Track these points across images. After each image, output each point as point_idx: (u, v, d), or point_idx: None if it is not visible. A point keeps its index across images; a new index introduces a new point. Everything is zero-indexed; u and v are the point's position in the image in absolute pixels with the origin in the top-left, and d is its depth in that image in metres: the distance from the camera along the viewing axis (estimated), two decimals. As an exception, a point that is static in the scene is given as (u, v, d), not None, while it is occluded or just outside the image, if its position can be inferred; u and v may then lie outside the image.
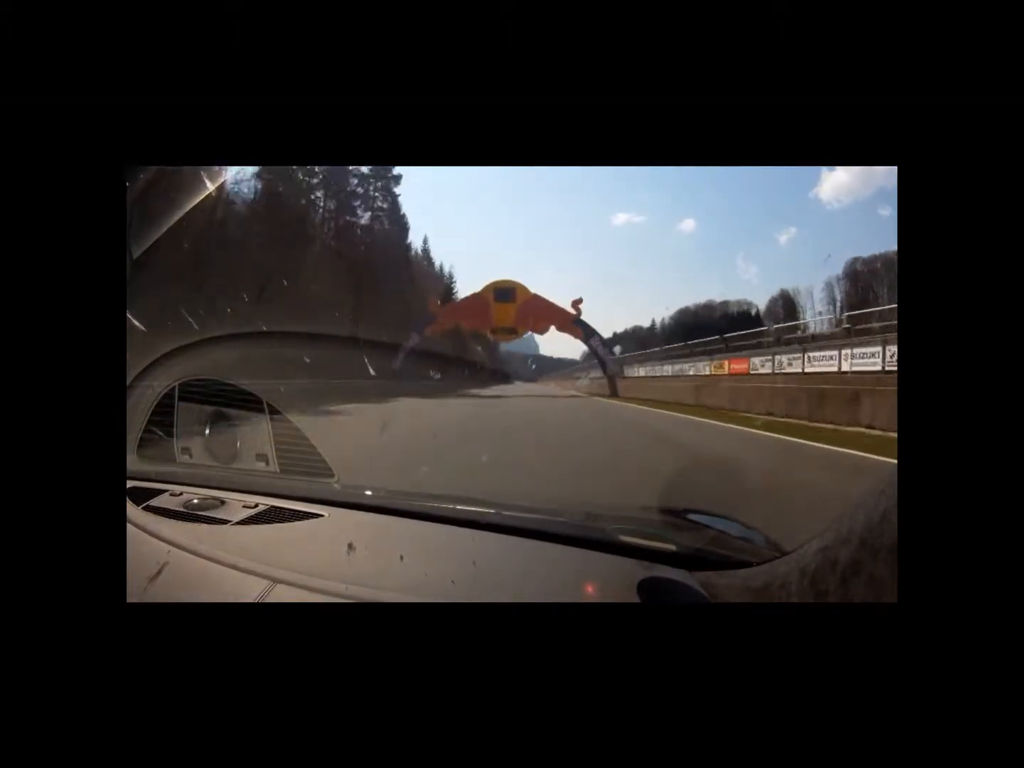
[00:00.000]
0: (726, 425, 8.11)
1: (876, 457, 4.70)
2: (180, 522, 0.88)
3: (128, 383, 1.14)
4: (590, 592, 0.68)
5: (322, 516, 0.89)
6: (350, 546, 0.77)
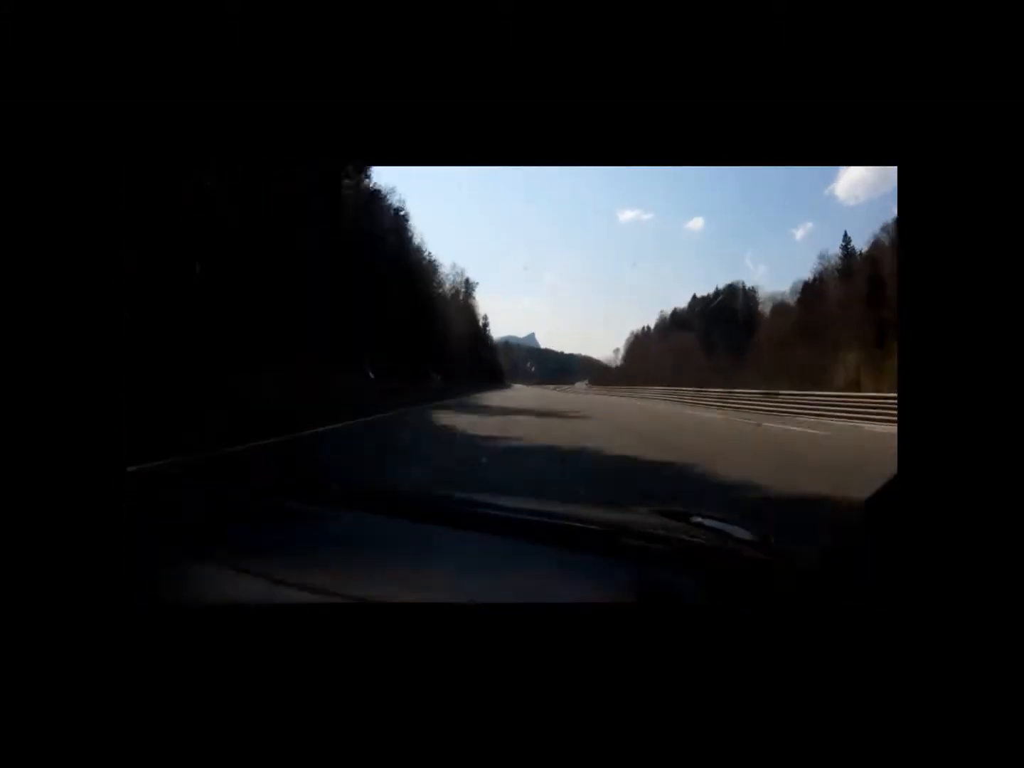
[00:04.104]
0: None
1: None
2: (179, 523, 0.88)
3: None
4: (590, 593, 0.68)
5: (321, 516, 0.89)
6: (350, 546, 0.77)
